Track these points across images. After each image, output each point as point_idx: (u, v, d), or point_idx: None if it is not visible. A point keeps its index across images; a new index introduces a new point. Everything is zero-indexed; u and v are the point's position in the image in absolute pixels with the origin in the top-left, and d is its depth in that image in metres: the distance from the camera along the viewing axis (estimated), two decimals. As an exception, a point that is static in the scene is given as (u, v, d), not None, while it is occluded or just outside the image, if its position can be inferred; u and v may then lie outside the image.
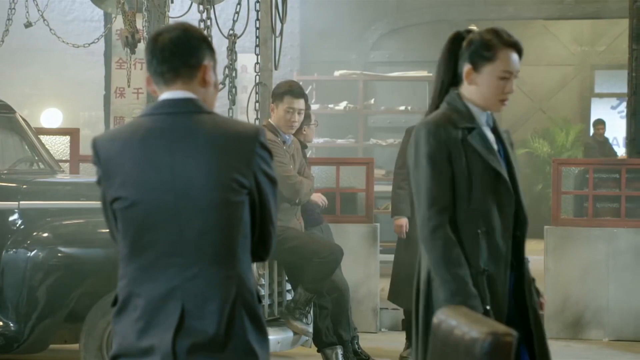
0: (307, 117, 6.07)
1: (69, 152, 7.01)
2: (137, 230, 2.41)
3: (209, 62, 2.47)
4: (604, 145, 12.56)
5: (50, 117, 10.34)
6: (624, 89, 12.21)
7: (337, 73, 10.68)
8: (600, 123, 12.55)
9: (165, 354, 2.36)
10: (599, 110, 13.57)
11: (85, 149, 6.25)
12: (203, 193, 2.38)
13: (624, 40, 12.16)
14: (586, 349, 6.64)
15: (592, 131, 12.83)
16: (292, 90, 5.53)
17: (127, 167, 2.41)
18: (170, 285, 2.38)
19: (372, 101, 10.79)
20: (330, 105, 10.45)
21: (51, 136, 7.09)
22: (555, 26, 12.86)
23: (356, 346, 5.93)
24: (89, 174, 6.48)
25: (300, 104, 5.51)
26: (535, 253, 7.48)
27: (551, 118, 12.94)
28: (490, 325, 2.12)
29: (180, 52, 2.44)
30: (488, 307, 2.96)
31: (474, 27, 3.15)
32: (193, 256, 2.39)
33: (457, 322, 2.22)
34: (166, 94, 2.46)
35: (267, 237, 2.50)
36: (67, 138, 7.06)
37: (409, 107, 9.93)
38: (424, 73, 10.30)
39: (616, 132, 13.17)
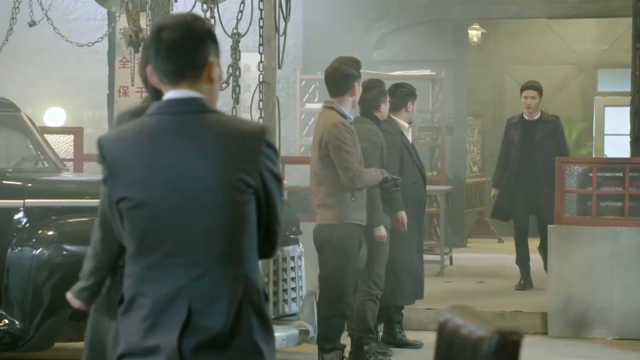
0: (384, 93, 6.13)
1: (72, 150, 7.03)
2: (143, 231, 2.41)
3: (214, 59, 2.46)
4: (536, 128, 8.16)
5: (54, 116, 10.35)
6: (626, 87, 12.18)
7: (340, 72, 10.66)
8: (531, 89, 8.22)
9: (170, 353, 2.36)
10: (601, 108, 13.58)
11: (89, 148, 6.26)
12: (209, 193, 2.38)
13: (627, 39, 12.14)
14: (590, 348, 6.65)
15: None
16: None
17: (133, 168, 2.41)
18: (177, 285, 2.38)
19: (375, 100, 10.77)
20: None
21: (55, 135, 7.10)
22: (558, 25, 12.86)
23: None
24: (93, 172, 6.49)
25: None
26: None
27: (554, 117, 12.91)
28: (497, 324, 2.12)
29: (185, 53, 2.43)
30: None
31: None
32: (199, 256, 2.39)
33: (463, 320, 2.23)
34: (171, 93, 2.45)
35: (272, 235, 2.51)
36: (71, 137, 7.09)
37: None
38: (427, 72, 10.30)
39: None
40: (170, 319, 2.37)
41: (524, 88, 8.37)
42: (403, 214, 6.15)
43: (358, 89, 5.66)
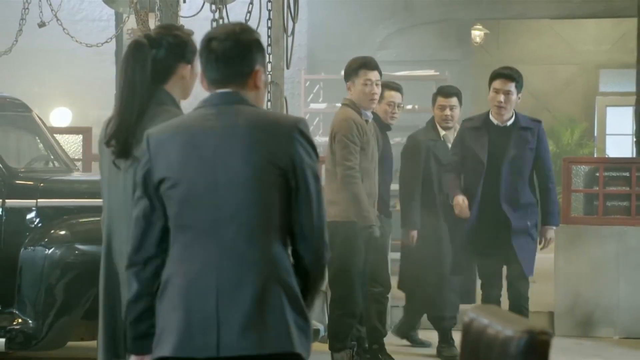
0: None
1: (79, 150, 7.05)
2: (179, 209, 2.52)
3: (260, 67, 2.61)
4: (510, 138, 5.51)
5: (60, 116, 10.36)
6: (629, 87, 12.21)
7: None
8: (506, 78, 5.51)
9: (204, 324, 2.44)
10: (603, 108, 13.61)
11: (96, 148, 6.25)
12: (241, 174, 2.49)
13: (629, 39, 12.16)
14: (596, 347, 6.67)
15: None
16: (366, 63, 5.64)
17: (173, 151, 2.54)
18: (206, 263, 2.48)
19: (379, 100, 10.78)
20: (338, 104, 10.44)
21: (61, 135, 7.11)
22: (560, 25, 12.88)
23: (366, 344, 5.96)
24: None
25: (375, 75, 5.60)
26: (545, 251, 7.56)
27: (556, 117, 12.97)
28: (525, 323, 2.14)
29: (233, 63, 2.58)
30: None
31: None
32: (230, 235, 2.48)
33: (489, 320, 2.24)
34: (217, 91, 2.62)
35: (315, 239, 2.54)
36: (76, 137, 7.11)
37: (417, 106, 9.93)
38: (431, 72, 10.32)
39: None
40: (199, 297, 2.46)
41: (496, 76, 5.54)
42: (415, 234, 6.14)
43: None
